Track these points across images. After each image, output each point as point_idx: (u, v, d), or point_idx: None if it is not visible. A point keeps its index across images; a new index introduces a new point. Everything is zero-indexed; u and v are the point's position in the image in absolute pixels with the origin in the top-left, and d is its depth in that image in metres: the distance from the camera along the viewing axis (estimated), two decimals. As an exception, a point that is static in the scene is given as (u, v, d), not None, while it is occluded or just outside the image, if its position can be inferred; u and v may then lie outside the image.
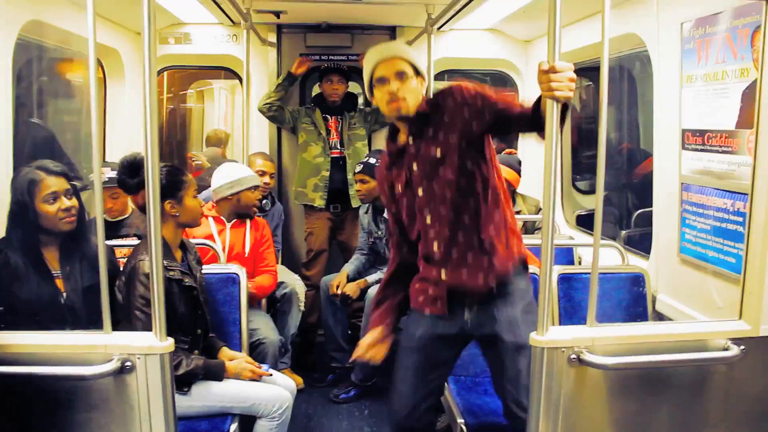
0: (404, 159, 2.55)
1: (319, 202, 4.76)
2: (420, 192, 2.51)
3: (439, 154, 2.45)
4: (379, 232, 4.31)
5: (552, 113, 1.94)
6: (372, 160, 4.09)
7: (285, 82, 4.79)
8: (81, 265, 2.59)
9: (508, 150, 4.58)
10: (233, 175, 3.75)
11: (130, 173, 2.80)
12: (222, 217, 3.74)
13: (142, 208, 2.84)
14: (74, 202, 2.58)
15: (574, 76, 1.95)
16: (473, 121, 2.39)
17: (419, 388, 2.57)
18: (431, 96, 2.56)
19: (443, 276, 2.51)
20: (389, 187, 2.65)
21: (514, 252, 2.52)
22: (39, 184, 2.51)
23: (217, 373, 2.84)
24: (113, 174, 3.45)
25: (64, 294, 2.53)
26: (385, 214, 4.34)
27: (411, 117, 2.49)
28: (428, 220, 2.51)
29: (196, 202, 2.91)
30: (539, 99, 2.11)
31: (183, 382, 2.75)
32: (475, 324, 2.53)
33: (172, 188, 2.82)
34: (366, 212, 4.42)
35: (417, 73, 2.52)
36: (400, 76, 2.47)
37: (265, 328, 3.59)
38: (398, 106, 2.46)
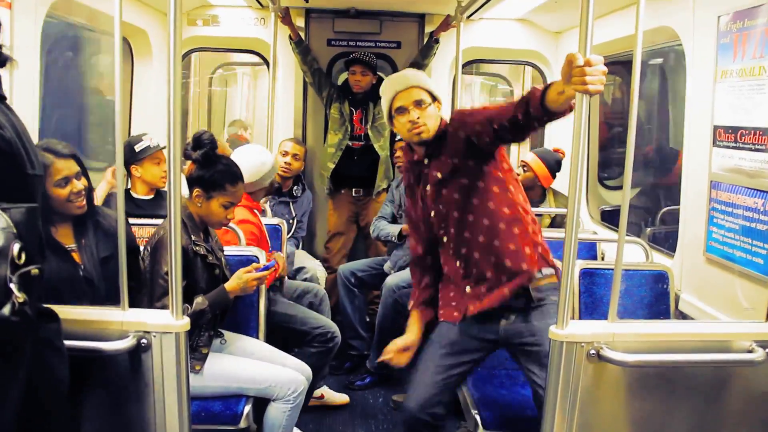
0: (421, 180, 2.68)
1: (326, 187, 4.86)
2: (432, 213, 2.64)
3: (440, 176, 2.57)
4: None
5: (581, 108, 1.90)
6: None
7: (295, 50, 4.76)
8: (96, 237, 2.59)
9: (556, 148, 4.45)
10: (261, 169, 3.67)
11: (194, 146, 2.84)
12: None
13: (187, 180, 2.86)
14: (84, 182, 2.55)
15: (606, 69, 1.90)
16: (473, 138, 2.45)
17: (437, 380, 2.59)
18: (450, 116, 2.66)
19: (468, 290, 2.60)
20: (411, 193, 2.77)
21: (536, 264, 2.55)
22: (50, 168, 2.45)
23: (223, 298, 2.78)
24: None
25: (82, 266, 2.53)
26: None
27: (429, 141, 2.60)
28: (444, 239, 2.64)
29: (222, 212, 2.84)
30: (545, 90, 2.10)
31: (198, 358, 2.75)
32: (510, 333, 2.58)
33: (209, 182, 2.80)
34: (398, 186, 4.40)
35: (434, 98, 2.63)
36: (419, 104, 2.58)
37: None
38: (419, 131, 2.57)
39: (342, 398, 3.93)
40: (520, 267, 2.51)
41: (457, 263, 2.60)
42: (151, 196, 3.60)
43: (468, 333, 2.61)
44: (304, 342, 3.47)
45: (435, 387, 2.58)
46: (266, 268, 2.85)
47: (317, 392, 3.70)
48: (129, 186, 3.59)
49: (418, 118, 2.56)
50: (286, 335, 3.47)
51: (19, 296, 1.48)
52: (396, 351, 2.71)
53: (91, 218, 2.61)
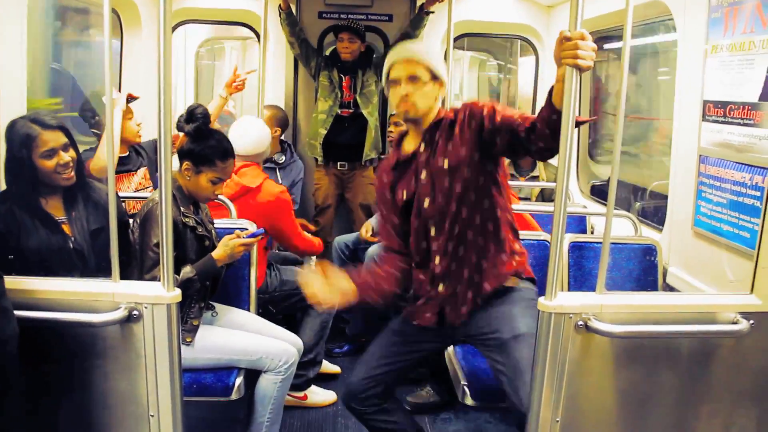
0: (412, 166, 2.52)
1: (318, 156, 4.83)
2: (426, 203, 2.47)
3: (446, 165, 2.42)
4: None
5: (571, 81, 1.90)
6: None
7: (284, 21, 4.73)
8: (86, 209, 2.59)
9: None
10: (263, 141, 3.67)
11: (187, 119, 2.85)
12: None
13: (177, 152, 2.87)
14: (72, 154, 2.53)
15: (595, 46, 1.92)
16: (480, 133, 2.37)
17: (380, 367, 2.60)
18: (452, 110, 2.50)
19: (441, 289, 2.52)
20: (390, 192, 2.59)
21: (513, 270, 2.53)
22: (36, 139, 2.44)
23: (211, 267, 2.77)
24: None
25: (72, 238, 2.53)
26: None
27: (420, 122, 2.48)
28: (432, 232, 2.48)
29: (210, 187, 2.83)
30: (549, 99, 2.08)
31: (189, 330, 2.77)
32: (469, 327, 2.54)
33: (200, 156, 2.79)
34: None
35: (435, 78, 2.45)
36: (413, 79, 2.42)
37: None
38: (406, 109, 2.44)
39: (333, 368, 3.96)
40: (498, 271, 2.49)
41: (438, 259, 2.49)
42: (125, 154, 3.58)
43: (426, 329, 2.59)
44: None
45: (376, 373, 2.58)
46: (254, 235, 2.86)
47: (300, 393, 3.64)
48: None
49: (407, 93, 2.41)
50: (296, 299, 3.52)
51: None
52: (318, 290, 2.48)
53: (81, 190, 2.61)
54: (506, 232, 2.51)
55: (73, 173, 2.53)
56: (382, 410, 2.64)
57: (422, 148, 2.49)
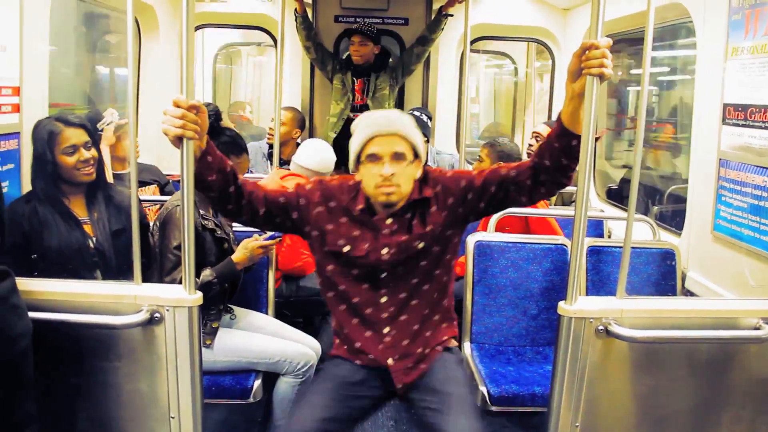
0: (370, 232, 2.25)
1: None
2: (383, 275, 2.25)
3: (421, 247, 2.23)
4: None
5: (591, 87, 1.90)
6: (424, 118, 4.21)
7: (300, 25, 4.76)
8: (108, 210, 2.64)
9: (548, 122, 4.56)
10: (330, 163, 3.78)
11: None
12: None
13: None
14: (93, 153, 2.61)
15: (610, 54, 1.90)
16: (459, 206, 2.23)
17: (326, 409, 2.24)
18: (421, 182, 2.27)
19: (389, 360, 2.29)
20: (319, 222, 2.28)
21: (451, 333, 2.44)
22: (58, 136, 2.53)
23: (231, 271, 2.78)
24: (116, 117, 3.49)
25: (93, 239, 2.57)
26: None
27: (396, 208, 2.23)
28: (383, 300, 2.27)
29: None
30: (562, 126, 2.01)
31: (208, 333, 2.78)
32: (411, 390, 2.33)
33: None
34: None
35: (416, 156, 2.20)
36: (398, 157, 2.14)
37: None
38: (390, 193, 2.15)
39: None
40: (437, 352, 2.35)
41: (384, 326, 2.28)
42: (127, 170, 3.61)
43: (356, 377, 2.33)
44: None
45: (334, 410, 2.26)
46: (272, 237, 2.88)
47: None
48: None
49: (392, 175, 2.12)
50: (313, 306, 3.60)
51: None
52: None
53: (103, 192, 2.65)
54: (450, 297, 2.41)
55: (93, 171, 2.59)
56: None
57: (389, 222, 2.25)
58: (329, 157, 3.79)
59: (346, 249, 2.25)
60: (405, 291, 2.27)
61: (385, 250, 2.23)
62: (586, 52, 1.89)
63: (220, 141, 2.80)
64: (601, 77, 1.90)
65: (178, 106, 1.92)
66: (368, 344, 2.31)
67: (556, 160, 2.04)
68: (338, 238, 2.26)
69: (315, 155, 3.72)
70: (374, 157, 2.15)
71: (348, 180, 2.33)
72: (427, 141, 4.51)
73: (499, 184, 2.17)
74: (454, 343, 2.45)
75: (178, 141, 1.95)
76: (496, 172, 2.18)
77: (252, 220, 2.28)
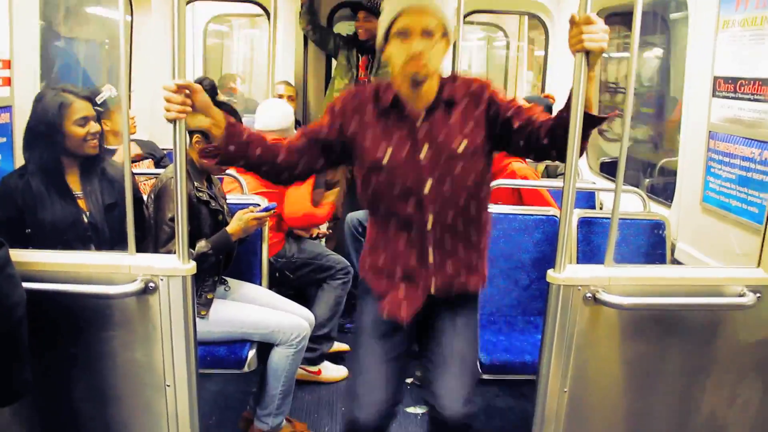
0: (404, 130, 2.13)
1: None
2: (426, 188, 2.10)
3: (461, 149, 2.09)
4: None
5: (580, 69, 1.91)
6: None
7: (305, 13, 4.79)
8: (101, 185, 2.65)
9: (546, 94, 4.53)
10: (288, 120, 3.74)
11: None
12: None
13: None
14: (98, 127, 2.62)
15: (607, 28, 1.89)
16: (497, 125, 2.12)
17: (390, 379, 2.20)
18: (457, 74, 2.21)
19: (432, 287, 2.19)
20: (354, 134, 2.17)
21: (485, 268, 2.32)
22: (69, 107, 2.53)
23: (226, 242, 2.80)
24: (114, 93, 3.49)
25: (87, 213, 2.59)
26: None
27: (426, 91, 2.11)
28: (429, 223, 2.13)
29: None
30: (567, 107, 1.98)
31: (203, 304, 2.82)
32: (434, 323, 2.28)
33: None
34: None
35: (445, 34, 2.07)
36: (428, 34, 2.01)
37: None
38: (418, 70, 2.03)
39: (343, 346, 4.00)
40: (481, 270, 2.27)
41: (432, 252, 2.16)
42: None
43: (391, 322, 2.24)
44: (330, 276, 3.66)
45: (389, 384, 2.20)
46: (266, 209, 2.90)
47: (314, 368, 3.67)
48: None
49: (421, 52, 2.00)
50: (312, 271, 3.66)
51: None
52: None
53: (99, 165, 2.66)
54: (490, 228, 2.33)
55: (98, 144, 2.60)
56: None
57: (420, 118, 2.13)
58: (285, 112, 3.71)
59: (385, 160, 2.11)
60: (450, 208, 2.12)
61: (424, 150, 2.09)
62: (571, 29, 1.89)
63: None
64: (587, 52, 1.89)
65: (166, 90, 1.94)
66: (408, 274, 2.20)
67: (566, 132, 1.99)
68: (376, 148, 2.13)
69: (267, 119, 3.64)
70: (403, 33, 2.02)
71: (373, 84, 2.22)
72: None
73: (523, 127, 2.08)
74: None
75: (172, 123, 1.98)
76: (529, 115, 2.09)
77: (304, 173, 2.24)
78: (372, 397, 2.16)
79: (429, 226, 2.12)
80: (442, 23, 2.04)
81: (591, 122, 1.97)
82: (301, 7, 4.75)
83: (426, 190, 2.09)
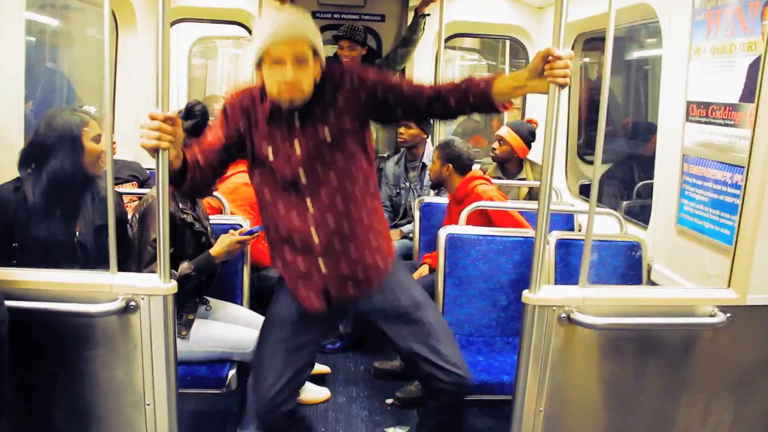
0: (283, 130, 2.28)
1: None
2: (303, 177, 2.26)
3: (329, 138, 2.24)
4: (407, 183, 4.40)
5: (554, 101, 2.01)
6: None
7: None
8: (94, 206, 2.67)
9: (528, 119, 4.62)
10: None
11: (185, 116, 2.97)
12: None
13: None
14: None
15: (569, 63, 2.00)
16: (369, 105, 2.27)
17: (287, 366, 2.36)
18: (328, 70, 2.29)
19: (323, 268, 2.31)
20: (243, 135, 2.32)
21: (390, 247, 2.47)
22: (87, 124, 2.59)
23: (208, 264, 2.83)
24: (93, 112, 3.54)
25: (78, 232, 2.60)
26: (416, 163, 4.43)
27: (299, 105, 2.22)
28: (310, 208, 2.27)
29: None
30: (490, 81, 2.14)
31: (184, 324, 2.83)
32: (361, 304, 2.44)
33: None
34: (397, 162, 4.51)
35: (315, 54, 2.19)
36: (301, 61, 2.14)
37: None
38: (292, 95, 2.16)
39: (323, 368, 4.00)
40: (379, 263, 2.38)
41: (315, 232, 2.27)
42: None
43: (304, 312, 2.38)
44: None
45: (285, 375, 2.35)
46: (250, 233, 2.92)
47: None
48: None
49: (295, 80, 2.13)
50: None
51: None
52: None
53: (92, 187, 2.68)
54: (379, 204, 2.44)
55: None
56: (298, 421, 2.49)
57: (296, 120, 2.26)
58: None
59: (270, 155, 2.28)
60: (328, 192, 2.27)
61: (297, 145, 2.25)
62: (550, 59, 1.98)
63: None
64: (561, 86, 2.00)
65: (154, 119, 1.97)
66: (303, 262, 2.33)
67: (459, 106, 2.20)
68: (261, 144, 2.29)
69: None
70: (277, 62, 2.14)
71: (252, 87, 2.36)
72: (427, 136, 4.59)
73: (399, 97, 2.26)
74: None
75: (154, 152, 2.01)
76: (400, 90, 2.26)
77: (216, 177, 2.39)
78: (266, 383, 2.34)
79: (311, 209, 2.27)
80: (312, 46, 2.17)
81: (489, 111, 2.19)
82: None
83: (303, 179, 2.26)
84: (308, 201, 2.27)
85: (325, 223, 2.27)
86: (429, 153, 4.63)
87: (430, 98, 2.21)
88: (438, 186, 3.99)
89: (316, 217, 2.27)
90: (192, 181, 2.23)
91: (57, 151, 2.55)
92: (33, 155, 2.58)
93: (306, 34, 2.16)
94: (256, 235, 2.96)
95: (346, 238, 2.30)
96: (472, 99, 2.16)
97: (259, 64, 2.20)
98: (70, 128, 2.56)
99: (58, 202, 2.57)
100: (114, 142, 3.62)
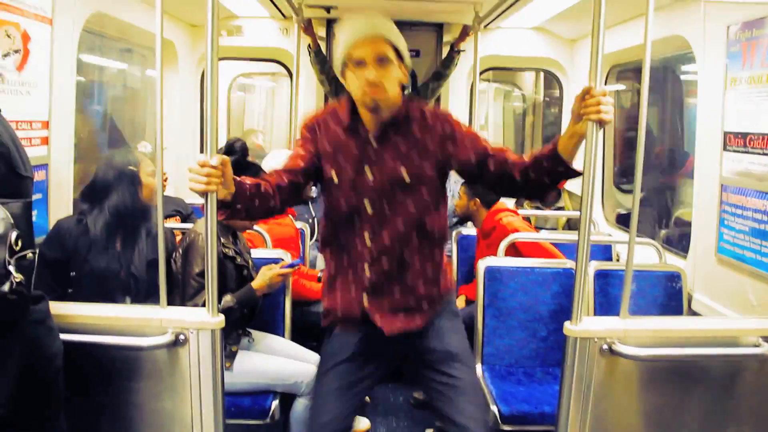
0: (355, 151, 2.22)
1: None
2: (369, 208, 2.20)
3: (407, 178, 2.18)
4: None
5: (592, 136, 2.03)
6: None
7: (314, 59, 4.85)
8: (147, 241, 2.80)
9: None
10: None
11: (226, 152, 3.06)
12: None
13: None
14: None
15: (612, 100, 2.02)
16: (449, 155, 2.20)
17: (344, 402, 2.30)
18: (418, 104, 2.27)
19: (365, 303, 2.26)
20: (314, 156, 2.26)
21: (445, 292, 2.38)
22: (143, 161, 2.80)
23: (251, 297, 2.87)
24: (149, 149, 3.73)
25: (132, 266, 2.72)
26: None
27: (384, 116, 2.18)
28: (368, 242, 2.22)
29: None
30: (555, 150, 2.07)
31: (228, 356, 2.88)
32: (415, 350, 2.34)
33: None
34: None
35: (401, 59, 2.17)
36: (382, 62, 2.11)
37: None
38: (376, 96, 2.11)
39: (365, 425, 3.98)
40: (424, 307, 2.30)
41: (369, 271, 2.23)
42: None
43: (355, 349, 2.32)
44: None
45: (346, 409, 2.30)
46: (291, 266, 2.98)
47: None
48: None
49: (378, 79, 2.09)
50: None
51: (17, 276, 1.68)
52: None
53: (148, 222, 2.81)
54: (441, 250, 2.35)
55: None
56: None
57: (374, 142, 2.21)
58: None
59: (335, 176, 2.22)
60: (389, 233, 2.20)
61: (369, 173, 2.19)
62: (585, 97, 2.00)
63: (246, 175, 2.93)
64: (600, 122, 2.01)
65: (204, 166, 1.99)
66: (351, 292, 2.28)
67: (539, 177, 2.10)
68: (332, 166, 2.23)
69: (280, 161, 3.75)
70: (359, 63, 2.12)
71: (328, 108, 2.34)
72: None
73: (497, 167, 2.16)
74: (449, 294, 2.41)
75: (203, 194, 2.06)
76: (502, 157, 2.16)
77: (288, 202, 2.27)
78: (321, 420, 2.27)
79: (368, 244, 2.21)
80: (397, 48, 2.15)
81: (565, 173, 2.08)
82: (309, 54, 4.83)
83: (368, 210, 2.19)
84: (366, 235, 2.22)
85: (380, 263, 2.22)
86: (450, 183, 4.64)
87: (523, 169, 2.13)
88: (464, 221, 4.00)
89: (372, 253, 2.22)
90: (247, 210, 2.14)
91: (118, 186, 2.73)
92: (95, 191, 2.76)
93: (385, 33, 2.13)
94: (296, 267, 3.02)
95: (395, 280, 2.24)
96: (546, 164, 2.08)
97: (343, 73, 2.19)
98: (128, 164, 2.76)
99: (117, 235, 2.73)
100: (165, 178, 3.78)
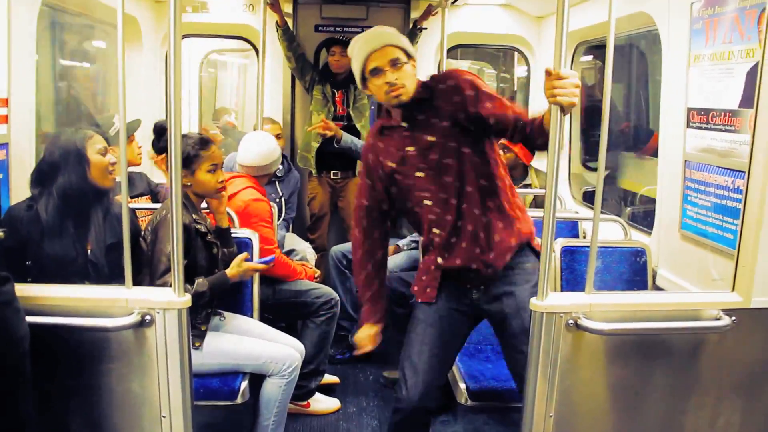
0: (398, 138, 2.55)
1: (312, 169, 4.90)
2: (418, 175, 2.51)
3: (433, 138, 2.47)
4: None
5: (556, 118, 2.05)
6: None
7: (282, 36, 4.82)
8: (105, 224, 2.69)
9: None
10: (273, 155, 3.83)
11: (158, 136, 3.05)
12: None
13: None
14: (115, 158, 2.70)
15: (579, 83, 2.04)
16: (461, 111, 2.43)
17: (436, 365, 2.54)
18: (429, 79, 2.54)
19: (440, 261, 2.54)
20: (379, 162, 2.60)
21: (516, 236, 2.53)
22: (91, 138, 2.64)
23: (223, 284, 2.91)
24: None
25: (89, 250, 2.63)
26: None
27: (407, 103, 2.47)
28: (428, 205, 2.52)
29: (211, 177, 2.95)
30: (540, 125, 2.23)
31: (197, 335, 2.87)
32: (483, 301, 2.56)
33: (185, 159, 2.87)
34: None
35: (408, 56, 2.49)
36: (395, 64, 2.43)
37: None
38: (399, 94, 2.43)
39: (333, 378, 4.02)
40: (500, 238, 2.49)
41: (439, 231, 2.52)
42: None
43: (449, 306, 2.57)
44: (311, 313, 3.61)
45: (434, 373, 2.53)
46: (265, 262, 3.04)
47: (302, 402, 3.69)
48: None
49: (396, 79, 2.42)
50: (291, 310, 3.66)
51: None
52: (363, 341, 2.70)
53: (106, 203, 2.72)
54: (505, 197, 2.54)
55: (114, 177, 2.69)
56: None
57: (405, 124, 2.53)
58: (271, 148, 3.80)
59: (393, 166, 2.55)
60: (441, 189, 2.49)
61: (408, 148, 2.51)
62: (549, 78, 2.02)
63: (185, 145, 2.90)
64: (562, 108, 2.04)
65: None
66: (429, 260, 2.60)
67: (534, 138, 2.31)
68: (386, 161, 2.58)
69: (257, 150, 3.73)
70: (376, 71, 2.44)
71: (377, 124, 2.68)
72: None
73: (484, 112, 2.40)
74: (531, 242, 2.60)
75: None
76: (505, 112, 2.38)
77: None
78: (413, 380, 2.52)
79: (428, 205, 2.51)
80: (403, 49, 2.47)
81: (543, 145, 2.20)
82: (277, 30, 4.79)
83: (417, 177, 2.51)
84: (425, 200, 2.51)
85: (443, 219, 2.50)
86: None
87: (522, 125, 2.34)
88: None
89: (434, 213, 2.51)
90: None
91: (63, 167, 2.59)
92: (43, 173, 2.62)
93: (391, 40, 2.46)
94: (271, 264, 3.04)
95: (463, 233, 2.49)
96: (536, 136, 2.28)
97: (365, 86, 2.51)
98: (73, 143, 2.61)
99: (70, 218, 2.61)
100: (140, 153, 3.70)
